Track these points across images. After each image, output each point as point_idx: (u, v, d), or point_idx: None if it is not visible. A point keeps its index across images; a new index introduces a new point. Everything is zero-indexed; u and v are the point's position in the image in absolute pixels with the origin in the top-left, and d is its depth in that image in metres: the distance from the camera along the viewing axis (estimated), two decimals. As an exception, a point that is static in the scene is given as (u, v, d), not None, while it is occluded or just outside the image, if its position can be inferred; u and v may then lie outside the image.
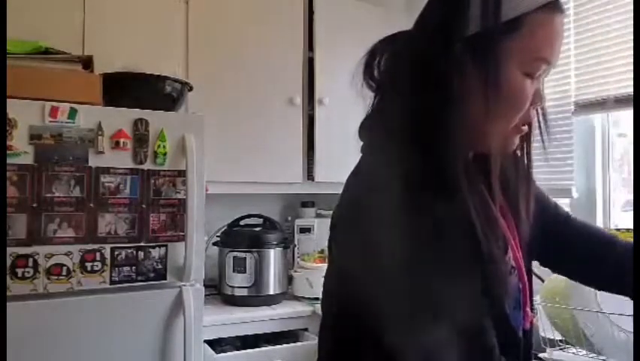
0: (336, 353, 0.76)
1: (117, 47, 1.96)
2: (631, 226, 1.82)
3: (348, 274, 0.71)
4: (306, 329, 2.13)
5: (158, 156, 1.64)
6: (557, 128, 1.93)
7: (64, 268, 1.50)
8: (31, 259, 1.46)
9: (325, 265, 0.81)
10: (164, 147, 1.65)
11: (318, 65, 2.39)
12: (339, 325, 0.74)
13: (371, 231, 0.66)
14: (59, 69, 1.59)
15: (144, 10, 2.06)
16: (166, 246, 1.65)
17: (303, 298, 2.24)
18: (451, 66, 0.67)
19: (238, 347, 2.00)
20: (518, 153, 0.80)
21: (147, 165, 1.62)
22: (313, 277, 2.20)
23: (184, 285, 1.66)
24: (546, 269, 0.97)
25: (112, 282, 1.57)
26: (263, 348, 1.98)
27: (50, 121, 1.50)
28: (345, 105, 2.24)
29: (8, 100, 1.33)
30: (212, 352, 1.88)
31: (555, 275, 1.28)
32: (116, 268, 1.57)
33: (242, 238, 2.23)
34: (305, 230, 2.58)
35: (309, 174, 2.42)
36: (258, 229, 2.32)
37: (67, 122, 1.52)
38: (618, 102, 1.83)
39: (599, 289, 1.16)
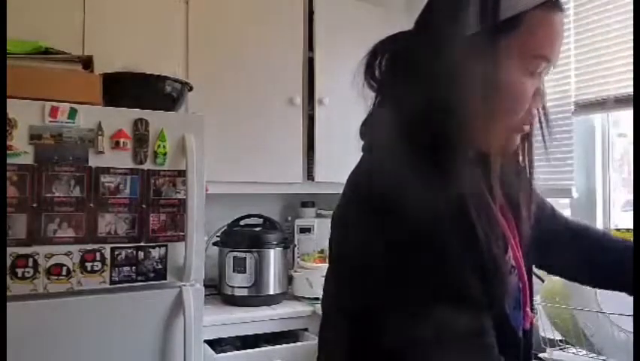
0: (336, 352, 0.76)
1: (117, 47, 1.96)
2: (631, 225, 1.83)
3: (348, 273, 0.71)
4: (306, 329, 2.13)
5: (158, 156, 1.64)
6: (557, 128, 1.92)
7: (64, 268, 1.50)
8: (31, 259, 1.46)
9: (325, 265, 0.81)
10: (164, 147, 1.65)
11: (318, 65, 2.39)
12: (340, 324, 0.74)
13: (371, 231, 0.66)
14: (59, 69, 1.59)
15: (144, 10, 2.06)
16: (166, 246, 1.65)
17: (303, 298, 2.25)
18: (451, 66, 0.67)
19: (238, 347, 2.00)
20: (519, 152, 0.81)
21: (147, 165, 1.62)
22: (313, 277, 2.20)
23: (184, 285, 1.66)
24: (546, 269, 0.97)
25: (112, 282, 1.57)
26: (263, 348, 1.98)
27: (50, 121, 1.50)
28: (345, 105, 2.25)
29: (8, 100, 1.33)
30: (212, 352, 1.88)
31: (555, 275, 1.28)
32: (116, 268, 1.57)
33: (242, 238, 2.23)
34: (305, 230, 2.58)
35: (309, 174, 2.41)
36: (258, 229, 2.32)
37: (67, 122, 1.52)
38: (618, 102, 1.82)
39: (596, 288, 1.17)
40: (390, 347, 0.65)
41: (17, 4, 1.74)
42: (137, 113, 1.63)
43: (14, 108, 1.44)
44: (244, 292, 2.16)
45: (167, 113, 1.70)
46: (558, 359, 1.42)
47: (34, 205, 1.47)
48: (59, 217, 1.50)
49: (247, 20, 2.28)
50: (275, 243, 2.23)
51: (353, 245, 0.70)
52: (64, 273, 1.50)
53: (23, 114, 1.47)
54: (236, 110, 2.24)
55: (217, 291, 2.24)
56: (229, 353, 1.92)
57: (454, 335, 0.62)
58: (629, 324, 1.30)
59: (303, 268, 2.28)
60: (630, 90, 1.76)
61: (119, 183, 1.58)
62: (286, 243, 2.29)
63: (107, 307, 1.56)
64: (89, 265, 1.53)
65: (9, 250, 1.43)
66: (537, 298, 1.44)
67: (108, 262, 1.56)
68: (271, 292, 2.19)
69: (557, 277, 1.31)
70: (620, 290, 0.90)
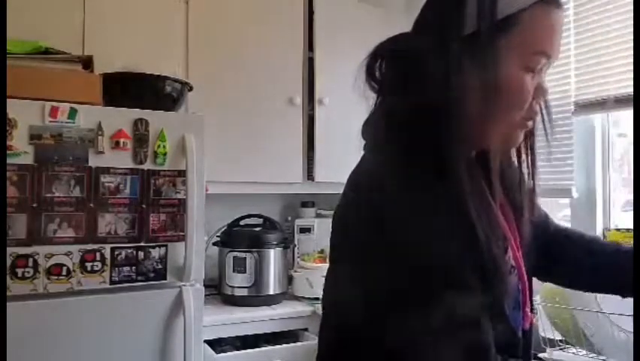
0: (336, 352, 0.76)
1: (117, 47, 1.96)
2: (631, 226, 1.83)
3: (349, 273, 0.71)
4: (306, 329, 2.13)
5: (158, 156, 1.64)
6: (557, 128, 1.92)
7: (64, 268, 1.50)
8: (31, 259, 1.46)
9: (325, 265, 0.81)
10: (164, 147, 1.65)
11: (318, 65, 2.39)
12: (340, 324, 0.74)
13: (371, 230, 0.66)
14: (59, 69, 1.59)
15: (144, 10, 2.06)
16: (166, 246, 1.65)
17: (303, 298, 2.25)
18: (450, 66, 0.67)
19: (238, 347, 2.00)
20: (522, 148, 0.81)
21: (147, 165, 1.62)
22: (313, 277, 2.20)
23: (184, 285, 1.66)
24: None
25: (112, 282, 1.57)
26: (263, 348, 1.97)
27: (50, 121, 1.50)
28: (345, 105, 2.25)
29: (8, 100, 1.33)
30: (212, 352, 1.88)
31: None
32: (116, 268, 1.57)
33: (242, 238, 2.23)
34: (305, 230, 2.58)
35: (309, 174, 2.42)
36: (258, 229, 2.32)
37: (67, 122, 1.52)
38: (618, 102, 1.83)
39: (588, 292, 1.17)
40: (390, 346, 0.65)
41: (17, 4, 1.73)
42: (137, 113, 1.63)
43: (14, 108, 1.44)
44: (244, 292, 2.16)
45: (167, 113, 1.70)
46: (558, 359, 1.42)
47: (34, 205, 1.47)
48: (59, 217, 1.50)
49: (247, 20, 2.28)
50: (275, 243, 2.23)
51: (353, 245, 0.70)
52: (64, 273, 1.50)
53: (23, 114, 1.47)
54: (236, 110, 2.24)
55: (217, 291, 2.24)
56: (229, 353, 1.92)
57: (453, 335, 0.62)
58: (629, 324, 1.30)
59: (303, 268, 2.28)
60: (630, 90, 1.76)
61: (119, 183, 1.58)
62: (286, 243, 2.29)
63: (107, 307, 1.56)
64: (89, 265, 1.53)
65: (9, 250, 1.43)
66: (537, 298, 1.44)
67: (108, 262, 1.56)
68: (271, 292, 2.19)
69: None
70: (613, 293, 0.90)
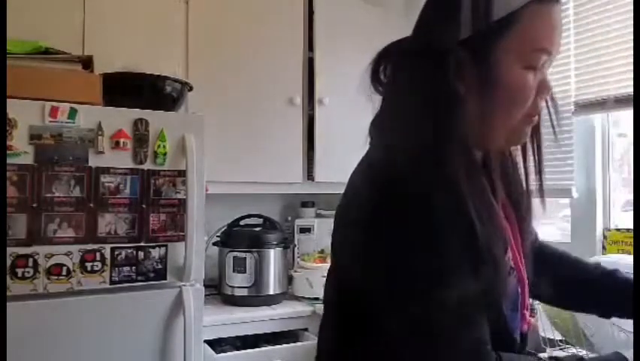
0: (336, 352, 0.76)
1: (117, 47, 1.96)
2: (631, 226, 1.83)
3: (349, 272, 0.71)
4: (306, 329, 2.13)
5: (158, 156, 1.64)
6: (558, 127, 1.92)
7: (64, 268, 1.50)
8: (31, 259, 1.46)
9: (325, 265, 0.81)
10: (164, 147, 1.65)
11: (318, 65, 2.39)
12: (340, 323, 0.74)
13: (372, 229, 0.66)
14: (59, 69, 1.59)
15: (144, 10, 2.06)
16: (166, 246, 1.65)
17: (303, 298, 2.24)
18: (451, 68, 0.67)
19: (238, 347, 2.00)
20: (529, 145, 0.81)
21: (147, 165, 1.62)
22: (313, 277, 2.20)
23: (184, 285, 1.66)
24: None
25: (112, 282, 1.57)
26: (263, 348, 1.97)
27: (50, 121, 1.50)
28: (345, 105, 2.25)
29: (8, 100, 1.33)
30: (212, 352, 1.88)
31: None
32: (116, 268, 1.57)
33: (242, 238, 2.23)
34: (305, 230, 2.58)
35: (309, 174, 2.41)
36: (258, 229, 2.31)
37: (67, 122, 1.52)
38: (618, 102, 1.82)
39: (572, 311, 1.18)
40: (389, 345, 0.65)
41: (17, 4, 1.74)
42: (137, 113, 1.63)
43: (14, 108, 1.44)
44: (244, 292, 2.16)
45: (167, 113, 1.70)
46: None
47: (34, 205, 1.47)
48: (59, 217, 1.50)
49: (247, 20, 2.28)
50: (275, 243, 2.23)
51: (353, 245, 0.70)
52: (64, 273, 1.50)
53: (23, 114, 1.47)
54: (237, 110, 2.24)
55: (217, 291, 2.24)
56: (229, 353, 1.92)
57: (452, 334, 0.62)
58: (629, 324, 1.30)
59: (303, 268, 2.28)
60: (630, 90, 1.76)
61: (119, 183, 1.58)
62: (286, 243, 2.29)
63: (107, 307, 1.56)
64: (89, 265, 1.53)
65: (9, 250, 1.43)
66: (537, 299, 1.44)
67: (108, 262, 1.56)
68: (271, 292, 2.18)
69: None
70: (598, 315, 0.92)
